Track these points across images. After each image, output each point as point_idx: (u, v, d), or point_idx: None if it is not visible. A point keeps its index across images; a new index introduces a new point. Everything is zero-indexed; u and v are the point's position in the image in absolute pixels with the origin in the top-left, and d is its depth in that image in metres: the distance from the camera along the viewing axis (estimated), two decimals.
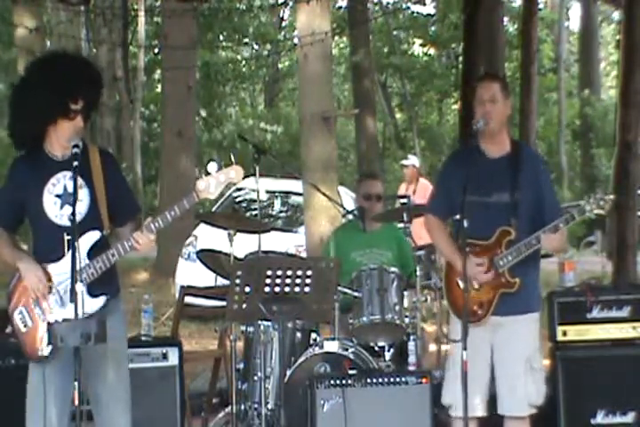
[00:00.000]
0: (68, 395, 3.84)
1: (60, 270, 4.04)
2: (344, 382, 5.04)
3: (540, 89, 22.04)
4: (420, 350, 5.79)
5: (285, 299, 4.74)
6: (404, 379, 5.10)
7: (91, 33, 21.74)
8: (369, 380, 5.08)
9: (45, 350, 3.97)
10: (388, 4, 27.14)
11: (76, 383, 3.73)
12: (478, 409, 4.56)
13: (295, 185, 11.58)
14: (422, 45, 28.49)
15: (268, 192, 12.14)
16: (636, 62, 9.38)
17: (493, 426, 4.69)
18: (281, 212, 13.34)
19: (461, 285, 4.57)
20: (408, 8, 26.53)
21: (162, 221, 3.98)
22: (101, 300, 4.03)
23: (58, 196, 4.08)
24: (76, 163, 3.95)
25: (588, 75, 27.90)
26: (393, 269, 5.84)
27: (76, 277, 3.82)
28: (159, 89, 22.04)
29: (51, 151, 4.12)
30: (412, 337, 5.76)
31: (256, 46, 29.61)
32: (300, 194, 11.13)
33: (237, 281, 4.75)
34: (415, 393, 5.07)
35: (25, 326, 4.09)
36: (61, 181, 4.09)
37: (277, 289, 4.73)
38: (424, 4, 26.72)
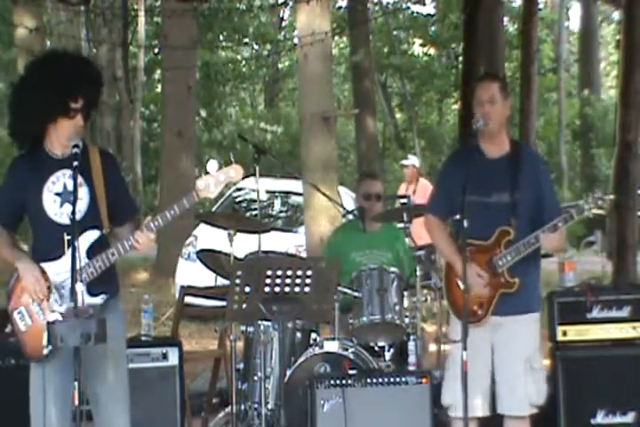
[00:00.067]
0: (68, 395, 3.84)
1: (59, 269, 4.04)
2: (344, 382, 5.04)
3: (540, 89, 22.04)
4: (420, 350, 5.79)
5: (285, 299, 4.74)
6: (404, 379, 5.10)
7: (91, 33, 21.75)
8: (369, 380, 5.08)
9: (45, 349, 3.96)
10: (387, 4, 27.16)
11: (75, 383, 3.73)
12: (478, 409, 4.56)
13: (295, 185, 11.58)
14: (422, 45, 28.48)
15: (267, 192, 12.14)
16: (636, 62, 9.38)
17: (494, 426, 4.70)
18: (281, 212, 13.33)
19: (461, 285, 4.57)
20: (408, 8, 26.52)
21: (162, 220, 3.98)
22: (100, 299, 4.03)
23: (57, 194, 4.08)
24: (76, 163, 3.95)
25: (588, 75, 27.89)
26: (393, 269, 5.84)
27: (76, 276, 3.82)
28: (159, 89, 22.04)
29: (51, 150, 4.12)
30: (412, 337, 5.76)
31: (256, 46, 29.61)
32: (300, 194, 11.13)
33: (237, 281, 4.75)
34: (415, 393, 5.07)
35: (25, 325, 4.09)
36: (61, 180, 4.09)
37: (277, 289, 4.73)
38: (424, 4, 26.73)
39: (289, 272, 4.73)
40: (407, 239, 6.35)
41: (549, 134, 27.15)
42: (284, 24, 31.59)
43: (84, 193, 4.07)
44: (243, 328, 5.68)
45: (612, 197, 4.50)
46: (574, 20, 39.88)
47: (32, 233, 4.19)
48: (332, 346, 5.43)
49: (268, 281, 4.72)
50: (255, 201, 12.05)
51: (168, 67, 13.99)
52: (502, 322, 4.58)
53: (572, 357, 5.49)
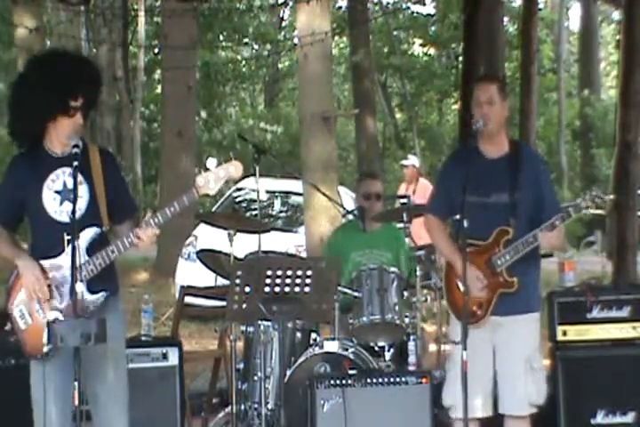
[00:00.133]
0: (68, 395, 3.84)
1: (58, 266, 4.04)
2: (344, 382, 5.04)
3: (540, 89, 22.03)
4: (420, 350, 5.79)
5: (285, 299, 4.74)
6: (404, 379, 5.10)
7: (91, 33, 21.77)
8: (369, 380, 5.08)
9: (45, 347, 3.96)
10: (387, 4, 27.15)
11: (75, 383, 3.73)
12: (478, 410, 4.56)
13: (295, 185, 11.58)
14: (422, 45, 28.48)
15: (267, 192, 12.14)
16: (636, 62, 9.38)
17: (495, 426, 4.70)
18: (281, 212, 13.33)
19: (461, 285, 4.58)
20: (408, 8, 26.51)
21: (161, 216, 3.98)
22: (100, 296, 4.03)
23: (57, 192, 4.08)
24: (76, 163, 3.95)
25: (588, 75, 27.88)
26: (393, 269, 5.85)
27: (76, 276, 3.82)
28: (159, 89, 22.04)
29: (50, 148, 4.12)
30: (412, 337, 5.76)
31: (256, 46, 29.61)
32: (300, 194, 11.13)
33: (237, 281, 4.75)
34: (415, 393, 5.07)
35: (24, 323, 4.08)
36: (61, 178, 4.09)
37: (277, 289, 4.73)
38: (424, 4, 26.72)
39: (289, 272, 4.73)
40: (407, 239, 6.35)
41: (549, 134, 27.15)
42: (284, 24, 31.59)
43: (83, 191, 4.07)
44: (243, 328, 5.68)
45: (611, 196, 4.50)
46: (574, 20, 40.02)
47: (31, 231, 4.19)
48: (331, 346, 5.43)
49: (268, 281, 4.72)
50: (255, 201, 12.05)
51: (168, 67, 14.00)
52: (502, 322, 4.58)
53: (572, 357, 5.49)
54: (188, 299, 6.90)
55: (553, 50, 28.30)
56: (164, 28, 14.16)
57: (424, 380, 5.10)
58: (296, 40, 12.08)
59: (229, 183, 12.86)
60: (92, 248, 4.03)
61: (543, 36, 26.51)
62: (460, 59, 20.30)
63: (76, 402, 3.73)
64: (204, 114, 27.15)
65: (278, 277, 4.73)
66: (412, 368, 5.66)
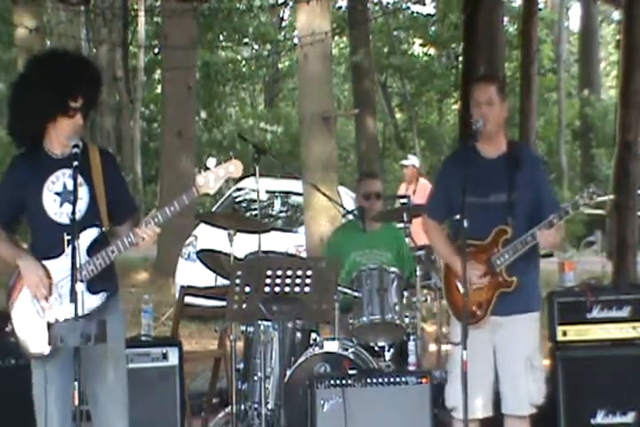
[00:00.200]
0: (68, 395, 3.84)
1: (58, 267, 4.03)
2: (344, 382, 5.04)
3: (540, 89, 22.03)
4: (420, 350, 5.79)
5: (285, 299, 4.74)
6: (404, 379, 5.10)
7: (91, 33, 21.77)
8: (369, 380, 5.08)
9: (46, 348, 3.96)
10: (387, 4, 27.15)
11: (75, 383, 3.73)
12: (479, 411, 4.56)
13: (295, 185, 11.58)
14: (422, 45, 28.48)
15: (267, 192, 12.14)
16: (636, 62, 9.38)
17: (496, 426, 4.70)
18: (281, 212, 13.34)
19: (460, 286, 4.58)
20: (408, 8, 26.52)
21: (161, 216, 3.98)
22: (101, 297, 4.03)
23: (57, 193, 4.08)
24: (76, 163, 3.95)
25: (588, 75, 27.89)
26: (393, 269, 5.85)
27: (76, 276, 3.82)
28: (159, 89, 22.04)
29: (50, 149, 4.12)
30: (412, 337, 5.76)
31: (256, 46, 29.61)
32: (300, 194, 11.13)
33: (237, 281, 4.75)
34: (415, 393, 5.07)
35: (25, 323, 4.07)
36: (61, 179, 4.09)
37: (277, 289, 4.73)
38: (424, 4, 26.72)
39: (289, 272, 4.73)
40: (407, 239, 6.35)
41: (549, 134, 27.15)
42: (284, 24, 31.59)
43: (83, 192, 4.06)
44: (243, 328, 5.68)
45: (610, 196, 4.50)
46: (574, 20, 39.99)
47: (31, 232, 4.19)
48: (331, 346, 5.43)
49: (268, 281, 4.72)
50: (255, 201, 12.05)
51: (168, 67, 14.00)
52: (502, 322, 4.58)
53: (572, 357, 5.49)
54: (188, 299, 6.90)
55: (553, 50, 28.30)
56: (164, 28, 14.16)
57: (424, 380, 5.10)
58: (296, 40, 12.08)
59: (229, 183, 12.87)
60: (93, 249, 4.03)
61: (543, 36, 26.51)
62: (460, 59, 20.30)
63: (76, 402, 3.72)
64: (203, 114, 27.15)
65: (278, 277, 4.73)
66: (412, 368, 5.66)
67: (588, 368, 5.43)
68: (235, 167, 4.01)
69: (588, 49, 27.81)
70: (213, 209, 13.12)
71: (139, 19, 21.60)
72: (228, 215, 6.17)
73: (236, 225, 5.74)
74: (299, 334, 5.69)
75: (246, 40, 27.97)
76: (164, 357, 5.49)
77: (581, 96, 27.25)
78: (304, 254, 10.02)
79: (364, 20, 19.67)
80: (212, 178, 3.98)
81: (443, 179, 4.86)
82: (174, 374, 5.50)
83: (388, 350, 5.77)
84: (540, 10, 20.16)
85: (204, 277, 7.24)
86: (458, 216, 4.29)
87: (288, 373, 5.28)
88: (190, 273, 10.30)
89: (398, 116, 30.55)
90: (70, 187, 4.01)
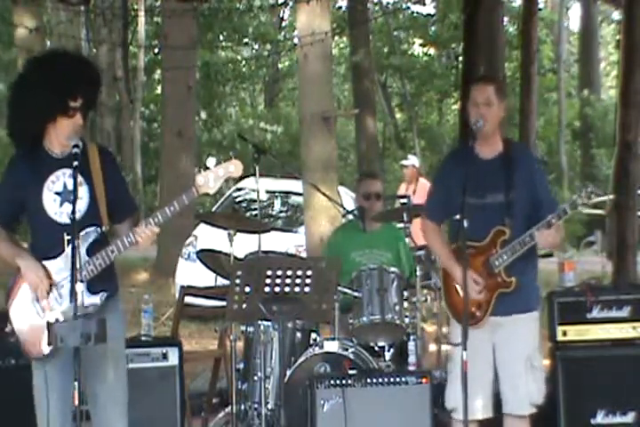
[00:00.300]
0: (68, 395, 3.84)
1: (58, 267, 4.03)
2: (344, 382, 5.04)
3: (540, 89, 22.02)
4: (420, 350, 5.79)
5: (285, 299, 4.74)
6: (404, 379, 5.10)
7: (91, 33, 21.76)
8: (369, 380, 5.08)
9: (46, 348, 3.96)
10: (387, 4, 27.15)
11: (75, 383, 3.73)
12: (479, 412, 4.56)
13: (295, 185, 11.58)
14: (422, 45, 28.47)
15: (267, 192, 12.14)
16: (636, 62, 9.38)
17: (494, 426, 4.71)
18: (281, 212, 13.34)
19: (459, 288, 4.58)
20: (408, 8, 26.51)
21: (161, 216, 3.98)
22: (101, 297, 4.03)
23: (57, 193, 4.08)
24: (76, 163, 3.95)
25: (588, 75, 27.88)
26: (393, 269, 5.85)
27: (76, 276, 3.82)
28: (159, 89, 22.04)
29: (50, 149, 4.11)
30: (412, 337, 5.76)
31: (256, 46, 29.61)
32: (300, 194, 11.14)
33: (237, 281, 4.75)
34: (415, 393, 5.08)
35: (24, 323, 4.07)
36: (61, 179, 4.09)
37: (277, 289, 4.73)
38: (424, 4, 26.70)
39: (289, 272, 4.73)
40: (407, 239, 6.35)
41: (549, 134, 27.14)
42: (284, 24, 31.59)
43: (83, 192, 4.06)
44: (243, 328, 5.68)
45: (610, 196, 4.50)
46: (574, 20, 39.97)
47: (30, 232, 4.18)
48: (331, 346, 5.43)
49: (268, 281, 4.72)
50: (255, 201, 12.05)
51: (168, 67, 14.00)
52: (502, 322, 4.58)
53: (572, 357, 5.49)
54: (188, 299, 6.90)
55: (553, 50, 28.29)
56: (164, 28, 14.16)
57: (424, 380, 5.10)
58: (296, 40, 12.08)
59: (229, 183, 12.87)
60: (92, 248, 4.03)
61: (543, 36, 26.50)
62: (460, 59, 20.30)
63: (76, 402, 3.72)
64: (203, 114, 27.14)
65: (278, 277, 4.73)
66: (412, 368, 5.66)
67: (588, 368, 5.43)
68: (235, 167, 4.00)
69: (588, 49, 27.80)
70: (213, 209, 13.12)
71: (139, 19, 21.59)
72: (228, 215, 6.17)
73: (236, 225, 5.74)
74: (299, 334, 5.70)
75: (246, 40, 27.95)
76: (164, 357, 5.49)
77: (581, 96, 27.25)
78: (304, 254, 10.02)
79: (364, 20, 19.68)
80: (211, 178, 3.98)
81: (441, 179, 4.86)
82: (174, 374, 5.49)
83: (388, 350, 5.77)
84: (540, 10, 20.15)
85: (204, 277, 7.24)
86: (457, 216, 4.28)
87: (288, 373, 5.28)
88: (190, 273, 10.30)
89: (398, 116, 30.55)
90: (70, 186, 4.01)
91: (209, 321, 9.59)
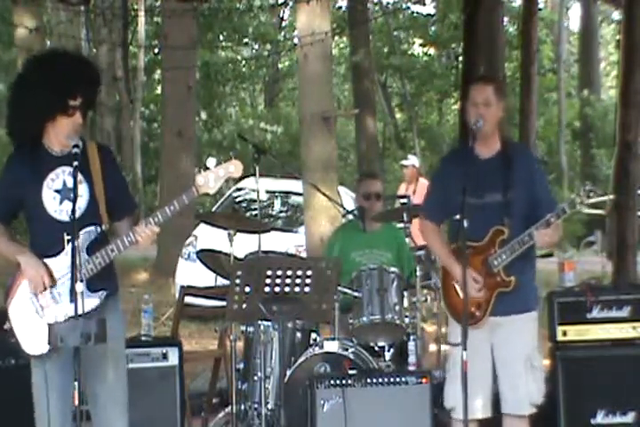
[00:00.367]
0: (68, 395, 3.84)
1: (58, 266, 4.03)
2: (344, 382, 5.04)
3: (540, 89, 22.02)
4: (420, 350, 5.79)
5: (285, 299, 4.74)
6: (404, 379, 5.10)
7: (91, 33, 21.75)
8: (369, 380, 5.08)
9: (45, 346, 3.96)
10: (387, 4, 27.14)
11: (75, 383, 3.73)
12: (479, 411, 4.56)
13: (295, 185, 11.58)
14: (422, 45, 28.46)
15: (268, 192, 12.14)
16: (636, 62, 9.37)
17: (495, 426, 4.70)
18: (281, 212, 13.34)
19: (458, 289, 4.58)
20: (408, 8, 26.50)
21: (161, 215, 3.98)
22: (100, 295, 4.03)
23: (57, 191, 4.08)
24: (76, 163, 3.95)
25: (588, 75, 27.88)
26: (393, 269, 5.85)
27: (76, 276, 3.82)
28: (159, 89, 22.03)
29: (49, 147, 4.11)
30: (412, 337, 5.76)
31: (256, 46, 29.61)
32: (300, 194, 11.14)
33: (237, 281, 4.75)
34: (415, 393, 5.08)
35: (24, 321, 4.07)
36: (60, 177, 4.09)
37: (277, 289, 4.73)
38: (424, 4, 26.70)
39: (289, 272, 4.73)
40: (407, 239, 6.35)
41: (549, 134, 27.14)
42: (284, 24, 31.58)
43: (83, 190, 4.07)
44: (243, 328, 5.68)
45: (610, 196, 4.50)
46: (574, 20, 39.96)
47: (30, 230, 4.17)
48: (331, 346, 5.43)
49: (268, 281, 4.73)
50: (255, 201, 12.05)
51: (168, 67, 13.99)
52: (501, 322, 4.58)
53: (572, 357, 5.49)
54: (188, 299, 6.90)
55: (553, 50, 28.28)
56: (164, 28, 14.15)
57: (424, 380, 5.10)
58: (296, 40, 12.09)
59: (229, 183, 12.87)
60: (92, 247, 4.03)
61: (543, 36, 26.50)
62: (460, 59, 20.30)
63: (76, 402, 3.73)
64: (203, 114, 27.14)
65: (278, 277, 4.73)
66: (412, 368, 5.66)
67: (588, 368, 5.43)
68: (235, 167, 4.01)
69: (588, 49, 27.80)
70: (213, 209, 13.12)
71: (139, 19, 21.58)
72: (228, 215, 6.17)
73: (236, 225, 5.74)
74: (299, 334, 5.70)
75: (246, 40, 27.97)
76: (164, 357, 5.49)
77: (581, 96, 27.25)
78: (304, 254, 10.02)
79: (364, 20, 19.68)
80: (211, 178, 3.98)
81: (439, 179, 4.86)
82: (174, 374, 5.50)
83: (388, 350, 5.77)
84: (540, 10, 20.14)
85: (204, 277, 7.24)
86: (457, 216, 4.28)
87: (288, 373, 5.29)
88: (190, 273, 10.30)
89: (398, 116, 30.54)
90: (70, 184, 4.01)
91: (209, 321, 9.59)
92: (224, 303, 4.94)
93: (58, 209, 4.07)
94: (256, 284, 4.73)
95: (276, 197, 13.10)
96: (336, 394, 5.01)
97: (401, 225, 6.29)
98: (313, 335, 5.74)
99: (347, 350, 5.45)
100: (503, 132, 4.86)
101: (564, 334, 5.53)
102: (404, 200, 6.94)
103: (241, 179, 12.10)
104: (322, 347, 5.45)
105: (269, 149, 12.94)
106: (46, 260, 4.05)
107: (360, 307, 5.71)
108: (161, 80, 18.21)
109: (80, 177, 4.02)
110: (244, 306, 4.78)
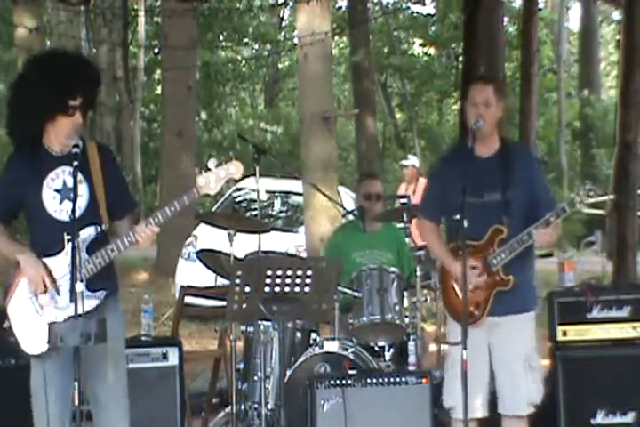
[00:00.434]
0: (68, 395, 3.85)
1: (57, 265, 4.04)
2: (344, 382, 5.04)
3: (540, 89, 22.02)
4: (420, 350, 5.79)
5: (285, 299, 4.74)
6: (404, 379, 5.10)
7: (91, 33, 21.75)
8: (369, 380, 5.08)
9: (44, 346, 3.96)
10: (387, 4, 27.14)
11: (75, 383, 3.73)
12: (478, 410, 4.56)
13: (295, 185, 11.58)
14: (422, 45, 28.46)
15: (268, 192, 12.13)
16: (636, 62, 9.38)
17: (492, 426, 4.70)
18: (281, 212, 13.34)
19: (457, 288, 4.58)
20: (408, 8, 26.50)
21: (161, 215, 3.98)
22: (100, 295, 4.03)
23: (57, 191, 4.08)
24: (76, 163, 3.96)
25: (588, 75, 27.88)
26: (393, 269, 5.85)
27: (76, 276, 3.82)
28: (159, 89, 22.03)
29: (49, 147, 4.11)
30: (412, 337, 5.76)
31: (256, 46, 29.61)
32: (300, 194, 11.14)
33: (237, 281, 4.75)
34: (415, 393, 5.08)
35: (23, 321, 4.07)
36: (60, 176, 4.09)
37: (277, 289, 4.73)
38: (424, 4, 26.68)
39: (289, 272, 4.73)
40: (407, 239, 6.35)
41: (549, 134, 27.14)
42: (284, 24, 31.58)
43: (83, 190, 4.07)
44: (243, 328, 5.68)
45: (610, 196, 4.51)
46: (574, 20, 39.93)
47: (29, 229, 4.17)
48: (331, 346, 5.43)
49: (268, 281, 4.73)
50: (255, 201, 12.05)
51: (168, 67, 14.00)
52: (499, 322, 4.59)
53: (572, 357, 5.49)
54: (188, 299, 6.90)
55: (553, 50, 28.28)
56: (164, 28, 14.16)
57: (424, 380, 5.10)
58: (296, 40, 12.09)
59: (229, 183, 12.86)
60: (92, 247, 4.03)
61: (543, 36, 26.49)
62: (460, 59, 20.29)
63: (76, 402, 3.73)
64: (203, 114, 27.14)
65: (278, 277, 4.73)
66: (412, 368, 5.66)
67: (588, 368, 5.43)
68: (235, 168, 4.01)
69: (588, 49, 27.79)
70: (213, 209, 13.12)
71: (139, 19, 21.58)
72: (228, 215, 6.17)
73: (236, 225, 5.74)
74: (299, 334, 5.70)
75: (246, 40, 27.97)
76: (164, 357, 5.49)
77: (581, 96, 27.24)
78: (304, 254, 10.02)
79: (364, 20, 19.68)
80: (212, 179, 3.99)
81: (437, 178, 4.86)
82: (174, 374, 5.50)
83: (388, 350, 5.77)
84: (540, 10, 20.13)
85: (204, 277, 7.24)
86: (457, 216, 4.28)
87: (288, 373, 5.29)
88: (190, 273, 10.30)
89: (398, 116, 30.54)
90: (70, 184, 4.01)
91: (209, 321, 9.59)
92: (224, 303, 4.94)
93: (58, 209, 4.07)
94: (256, 284, 4.73)
95: (276, 197, 13.10)
96: (336, 394, 5.01)
97: (401, 225, 6.29)
98: (313, 335, 5.74)
99: (347, 350, 5.45)
100: (502, 131, 4.86)
101: (564, 334, 5.53)
102: (404, 200, 6.93)
103: (241, 179, 12.05)
104: (322, 347, 5.45)
105: (269, 149, 12.95)
106: (46, 259, 4.05)
107: (360, 307, 5.71)
108: (161, 80, 18.21)
109: (80, 177, 4.02)
110: (244, 306, 4.78)
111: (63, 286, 4.00)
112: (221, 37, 28.05)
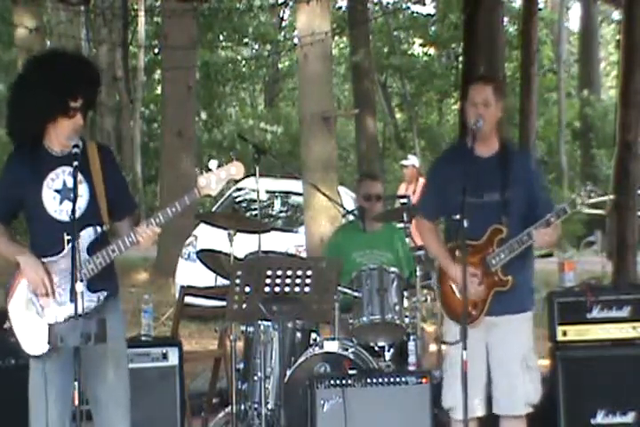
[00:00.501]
0: (68, 395, 3.84)
1: (58, 266, 4.03)
2: (344, 382, 5.04)
3: (540, 89, 22.02)
4: (420, 350, 5.79)
5: (285, 299, 4.74)
6: (404, 379, 5.10)
7: (91, 33, 21.77)
8: (369, 380, 5.08)
9: (44, 346, 3.96)
10: (387, 4, 27.15)
11: (75, 383, 3.73)
12: (478, 410, 4.57)
13: (295, 185, 11.58)
14: (422, 45, 28.47)
15: (268, 192, 12.14)
16: (636, 62, 9.38)
17: (490, 425, 4.70)
18: (281, 212, 13.34)
19: (455, 288, 4.58)
20: (408, 8, 26.51)
21: (162, 216, 3.98)
22: (100, 295, 4.03)
23: (57, 191, 4.08)
24: (76, 163, 3.95)
25: (588, 75, 27.87)
26: (393, 269, 5.85)
27: (76, 276, 3.82)
28: (159, 89, 22.03)
29: (50, 147, 4.11)
30: (412, 337, 5.76)
31: (256, 46, 29.61)
32: (300, 194, 11.14)
33: (237, 281, 4.75)
34: (415, 393, 5.08)
35: (23, 321, 4.06)
36: (60, 177, 4.09)
37: (277, 289, 4.73)
38: (424, 4, 26.70)
39: (289, 272, 4.73)
40: (407, 239, 6.35)
41: (549, 134, 27.13)
42: (284, 24, 31.58)
43: (83, 190, 4.07)
44: (243, 328, 5.68)
45: (610, 196, 4.51)
46: (574, 20, 39.93)
47: (29, 230, 4.17)
48: (331, 346, 5.43)
49: (268, 281, 4.73)
50: (255, 201, 12.06)
51: (168, 67, 14.00)
52: (497, 322, 4.59)
53: (572, 357, 5.49)
54: (188, 299, 6.90)
55: (553, 50, 28.28)
56: (164, 28, 14.16)
57: (424, 380, 5.10)
58: (296, 40, 12.09)
59: (230, 183, 12.86)
60: (93, 247, 4.03)
61: (543, 36, 26.49)
62: (460, 59, 20.29)
63: (76, 402, 3.72)
64: (204, 114, 27.14)
65: (278, 277, 4.73)
66: (412, 368, 5.66)
67: (588, 368, 5.43)
68: (236, 169, 4.02)
69: (588, 49, 27.79)
70: (213, 209, 13.12)
71: (139, 19, 21.58)
72: (228, 215, 6.17)
73: (236, 225, 5.74)
74: (299, 334, 5.70)
75: (246, 40, 27.97)
76: (164, 357, 5.49)
77: (581, 96, 27.23)
78: (304, 254, 10.02)
79: (364, 20, 19.68)
80: (213, 179, 3.99)
81: (436, 177, 4.85)
82: (174, 374, 5.50)
83: (388, 350, 5.77)
84: (540, 10, 20.13)
85: (204, 277, 7.24)
86: (457, 216, 4.28)
87: (288, 373, 5.29)
88: (190, 273, 10.30)
89: (398, 116, 30.54)
90: (70, 184, 4.01)
91: (209, 321, 9.59)
92: (224, 303, 4.94)
93: (58, 209, 4.07)
94: (256, 284, 4.73)
95: (276, 197, 13.10)
96: (336, 394, 5.01)
97: (401, 225, 6.29)
98: (313, 335, 5.74)
99: (347, 350, 5.45)
100: (502, 131, 4.86)
101: (564, 334, 5.53)
102: (404, 200, 6.93)
103: (241, 179, 12.06)
104: (322, 347, 5.45)
105: (269, 149, 12.95)
106: (46, 259, 4.05)
107: (360, 307, 5.71)
108: (161, 80, 18.21)
109: (80, 177, 4.02)
110: (244, 306, 4.78)
111: (63, 286, 4.00)
112: (221, 37, 28.06)
